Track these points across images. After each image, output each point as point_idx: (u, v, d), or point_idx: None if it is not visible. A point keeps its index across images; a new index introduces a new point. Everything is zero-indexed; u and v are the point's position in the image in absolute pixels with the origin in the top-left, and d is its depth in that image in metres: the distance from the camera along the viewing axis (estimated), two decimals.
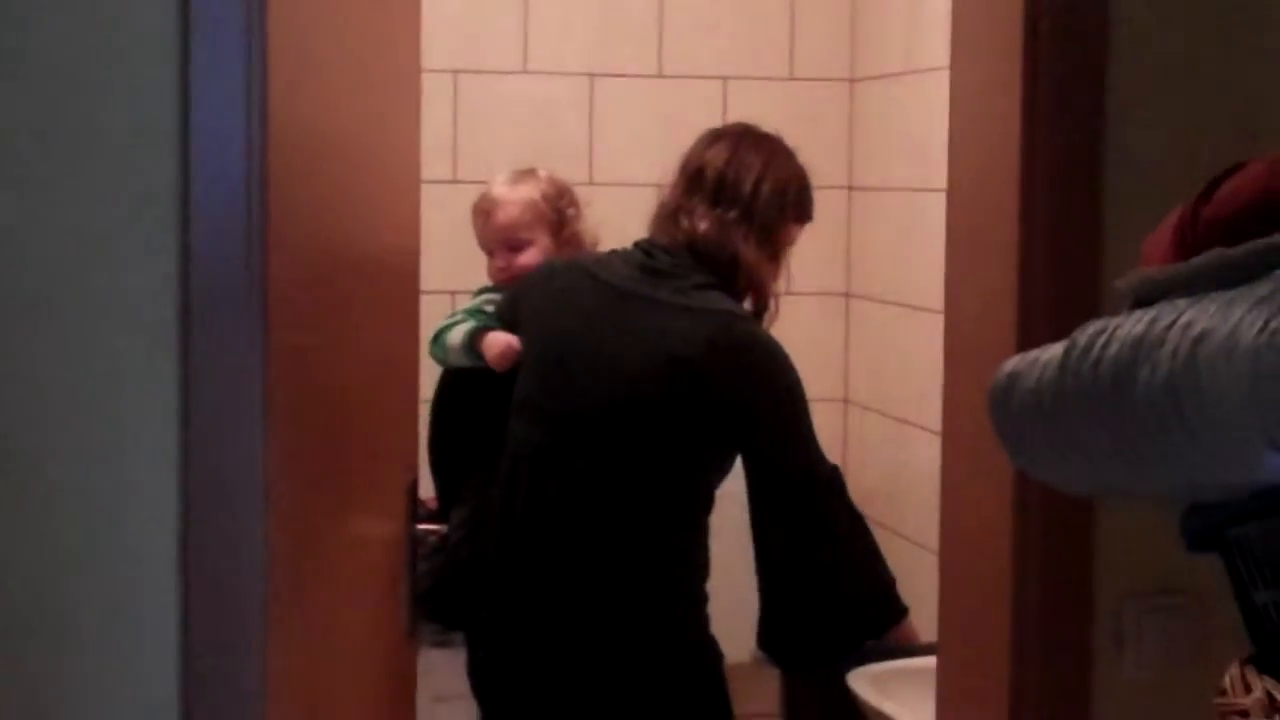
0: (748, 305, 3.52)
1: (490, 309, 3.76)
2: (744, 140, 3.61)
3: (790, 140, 4.94)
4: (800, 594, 3.51)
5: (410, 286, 3.00)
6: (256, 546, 2.11)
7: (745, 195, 3.53)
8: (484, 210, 3.91)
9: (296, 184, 2.22)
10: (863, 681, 3.79)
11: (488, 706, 3.64)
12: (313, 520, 2.40)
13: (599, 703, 3.47)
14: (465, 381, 3.65)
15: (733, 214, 3.51)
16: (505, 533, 3.47)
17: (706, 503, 3.51)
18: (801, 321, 5.07)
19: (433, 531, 3.03)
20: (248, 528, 2.11)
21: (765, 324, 3.54)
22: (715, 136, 3.62)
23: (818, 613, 3.52)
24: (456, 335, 3.68)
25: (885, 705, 3.66)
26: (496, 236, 3.88)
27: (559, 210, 3.91)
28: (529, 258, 3.80)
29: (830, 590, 3.51)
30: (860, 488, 5.04)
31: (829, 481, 3.49)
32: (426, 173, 3.10)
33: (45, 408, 2.09)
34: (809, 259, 5.07)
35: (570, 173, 4.28)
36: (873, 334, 4.95)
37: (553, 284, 3.61)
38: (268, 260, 2.10)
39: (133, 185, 2.08)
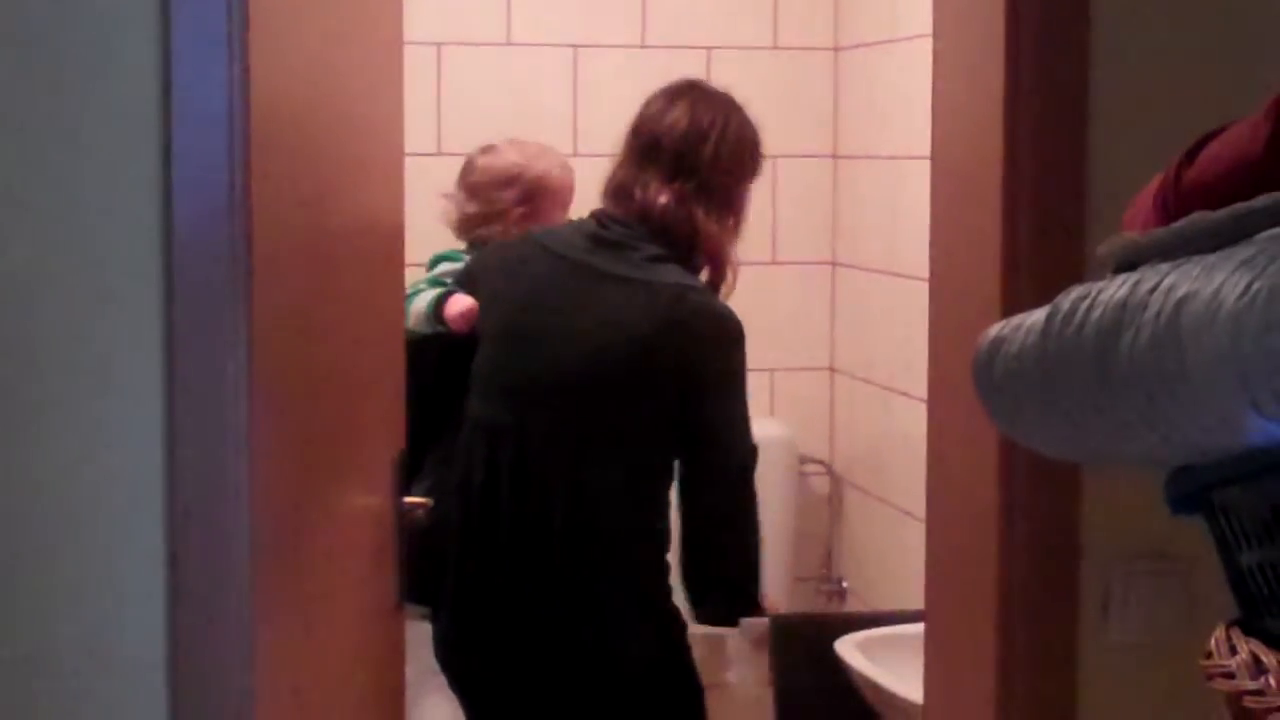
0: (704, 277, 3.51)
1: (450, 281, 3.80)
2: (698, 106, 3.55)
3: (775, 110, 4.94)
4: (719, 560, 3.54)
5: (395, 259, 3.00)
6: (242, 520, 2.11)
7: (703, 166, 3.50)
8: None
9: (279, 156, 2.22)
10: (850, 648, 3.80)
11: (457, 679, 3.66)
12: (299, 493, 2.40)
13: (566, 674, 3.49)
14: (426, 354, 3.65)
15: (690, 185, 3.48)
16: (466, 507, 3.49)
17: (664, 475, 3.51)
18: (787, 291, 5.08)
19: (420, 504, 3.03)
20: (234, 501, 2.11)
21: (723, 295, 3.53)
22: (668, 102, 3.56)
23: (730, 574, 3.57)
24: (421, 302, 3.72)
25: (873, 671, 3.66)
26: None
27: None
28: None
29: (742, 557, 3.56)
30: (847, 455, 5.06)
31: (754, 458, 3.51)
32: (410, 145, 3.10)
33: (26, 389, 2.08)
34: (794, 228, 5.09)
35: (554, 144, 4.29)
36: (859, 302, 4.96)
37: (507, 255, 3.63)
38: (251, 232, 2.09)
39: (113, 159, 2.07)
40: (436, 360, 3.63)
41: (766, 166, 4.97)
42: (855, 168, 4.97)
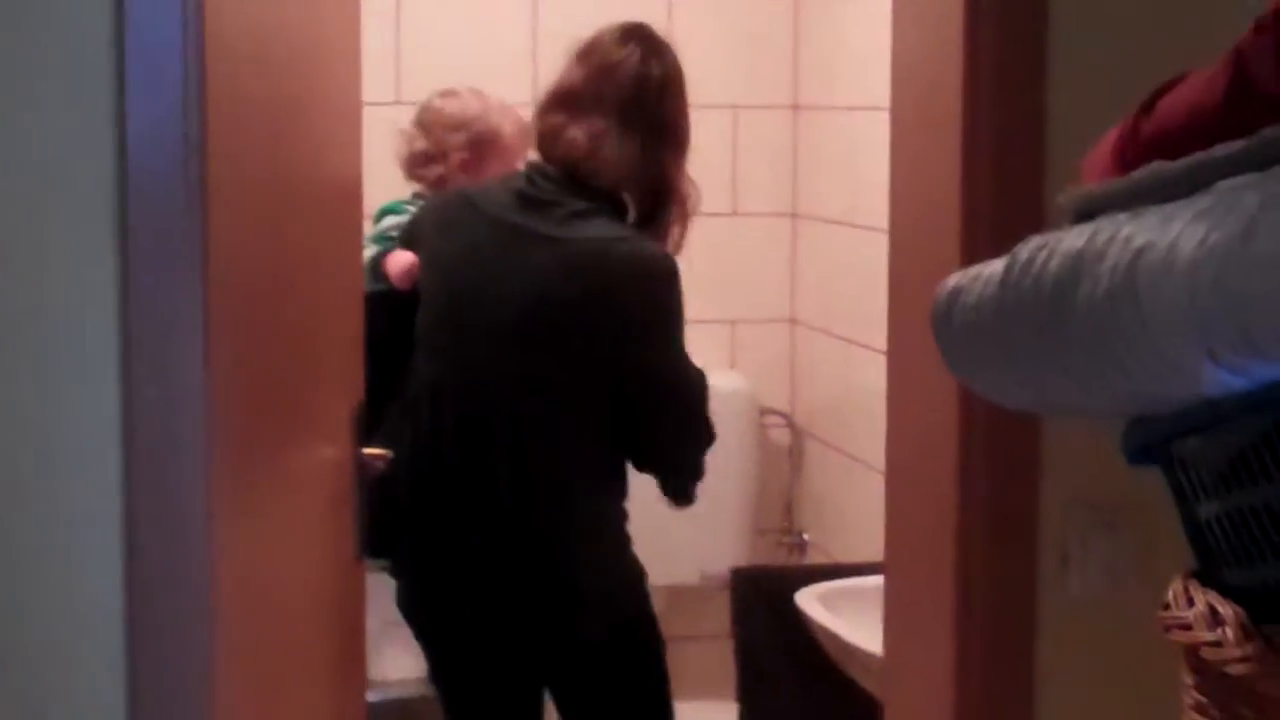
0: (674, 233, 3.53)
1: (395, 234, 3.80)
2: (674, 72, 3.54)
3: (735, 58, 4.93)
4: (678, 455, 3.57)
5: (353, 209, 2.99)
6: (199, 473, 2.10)
7: (683, 134, 3.54)
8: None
9: (235, 102, 2.20)
10: (810, 599, 3.81)
11: (421, 632, 3.67)
12: (257, 444, 2.39)
13: (528, 625, 3.50)
14: (376, 311, 3.63)
15: (676, 150, 3.51)
16: (415, 463, 3.49)
17: (614, 424, 3.50)
18: (748, 242, 5.07)
19: (379, 455, 3.02)
20: (190, 454, 2.10)
21: (676, 241, 3.54)
22: (643, 71, 3.50)
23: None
24: (363, 257, 3.71)
25: (833, 623, 3.67)
26: None
27: None
28: None
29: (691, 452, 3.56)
30: (807, 407, 5.06)
31: (702, 383, 3.54)
32: (368, 94, 3.07)
33: None
34: (755, 180, 5.07)
35: (513, 92, 4.26)
36: (819, 254, 4.95)
37: (440, 217, 3.62)
38: (206, 181, 2.07)
39: (65, 103, 2.05)
40: (386, 316, 3.61)
41: (727, 117, 4.98)
42: (816, 118, 4.96)
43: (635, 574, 3.58)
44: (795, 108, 5.06)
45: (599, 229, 3.41)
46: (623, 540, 3.55)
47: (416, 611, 3.63)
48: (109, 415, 2.08)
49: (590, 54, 3.53)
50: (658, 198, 3.49)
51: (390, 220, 3.91)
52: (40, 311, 2.07)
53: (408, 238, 3.73)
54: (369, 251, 3.74)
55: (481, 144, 3.99)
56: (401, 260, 3.67)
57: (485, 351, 3.43)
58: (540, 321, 3.37)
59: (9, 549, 2.09)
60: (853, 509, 4.68)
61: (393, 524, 3.46)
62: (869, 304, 4.00)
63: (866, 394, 4.32)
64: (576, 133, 3.45)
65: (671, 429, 3.52)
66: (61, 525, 2.10)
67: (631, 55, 3.50)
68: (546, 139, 3.51)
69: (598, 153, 3.43)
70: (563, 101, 3.51)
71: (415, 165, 4.04)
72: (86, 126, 2.05)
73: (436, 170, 3.98)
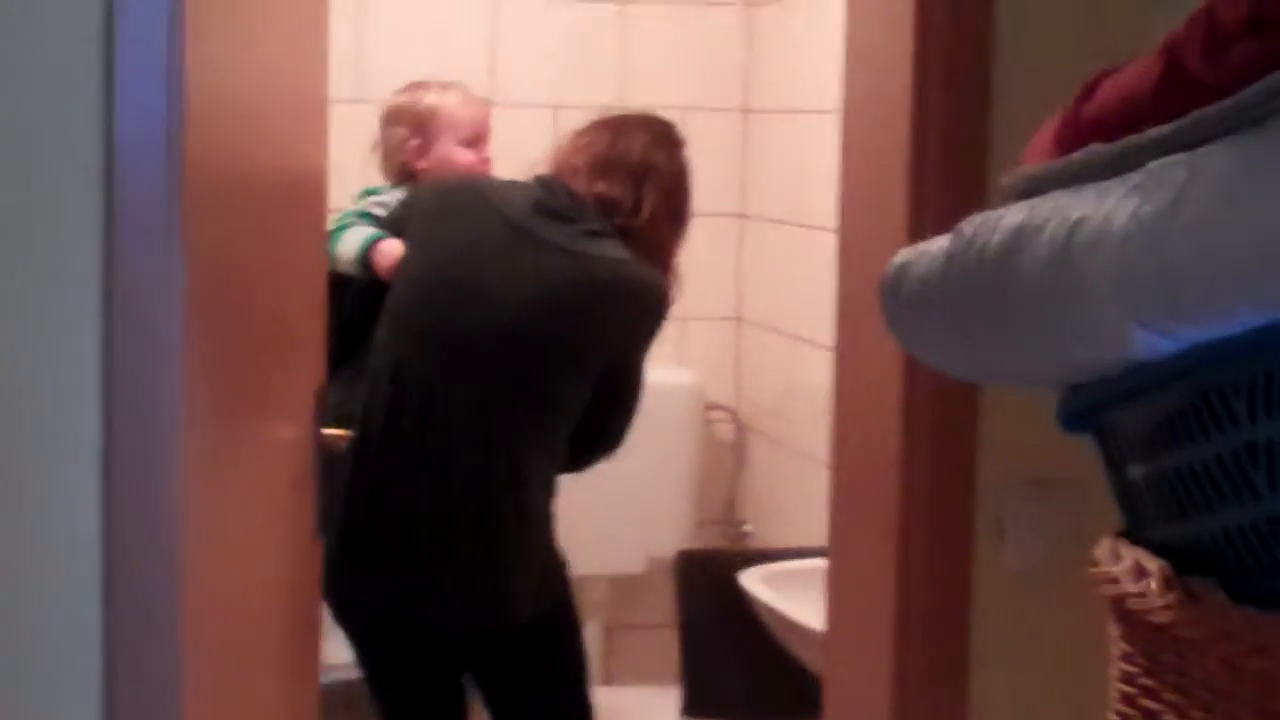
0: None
1: (379, 211, 3.80)
2: (675, 141, 3.74)
3: (684, 64, 4.98)
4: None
5: (318, 202, 3.03)
6: (173, 449, 2.15)
7: (683, 205, 3.73)
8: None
9: (212, 101, 2.26)
10: (754, 580, 3.87)
11: (342, 611, 3.70)
12: (228, 423, 2.45)
13: (462, 609, 3.59)
14: (347, 291, 3.65)
15: (673, 217, 3.70)
16: (363, 440, 3.52)
17: (567, 429, 3.62)
18: (696, 241, 5.10)
19: (339, 435, 3.08)
20: (166, 431, 2.15)
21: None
22: (657, 139, 3.73)
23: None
24: (350, 245, 3.69)
25: (777, 602, 3.73)
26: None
27: None
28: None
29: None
30: (753, 403, 5.13)
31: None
32: (331, 91, 3.13)
33: None
34: (704, 181, 5.12)
35: (472, 88, 4.31)
36: (766, 254, 5.02)
37: (446, 201, 3.65)
38: (186, 173, 2.13)
39: (57, 100, 2.11)
40: (357, 296, 3.65)
41: (677, 119, 5.05)
42: (765, 122, 5.03)
43: (561, 561, 3.69)
44: (745, 111, 5.13)
45: (611, 250, 3.54)
46: (553, 531, 3.65)
47: (338, 589, 3.58)
48: (89, 399, 2.13)
49: (625, 158, 3.69)
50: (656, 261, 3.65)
51: (376, 198, 3.90)
52: (24, 293, 2.12)
53: (396, 222, 3.73)
54: (356, 239, 3.73)
55: (422, 126, 3.97)
56: (392, 255, 3.66)
57: (472, 346, 3.49)
58: (543, 325, 3.47)
59: None
60: (794, 501, 4.74)
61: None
62: (813, 302, 4.09)
63: (809, 388, 4.39)
64: (616, 192, 3.60)
65: (624, 416, 3.66)
66: (37, 510, 2.14)
67: (657, 155, 3.71)
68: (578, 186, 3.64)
69: (635, 215, 3.60)
70: (600, 169, 3.64)
71: (383, 165, 4.05)
72: (76, 122, 2.10)
73: (398, 162, 4.00)
